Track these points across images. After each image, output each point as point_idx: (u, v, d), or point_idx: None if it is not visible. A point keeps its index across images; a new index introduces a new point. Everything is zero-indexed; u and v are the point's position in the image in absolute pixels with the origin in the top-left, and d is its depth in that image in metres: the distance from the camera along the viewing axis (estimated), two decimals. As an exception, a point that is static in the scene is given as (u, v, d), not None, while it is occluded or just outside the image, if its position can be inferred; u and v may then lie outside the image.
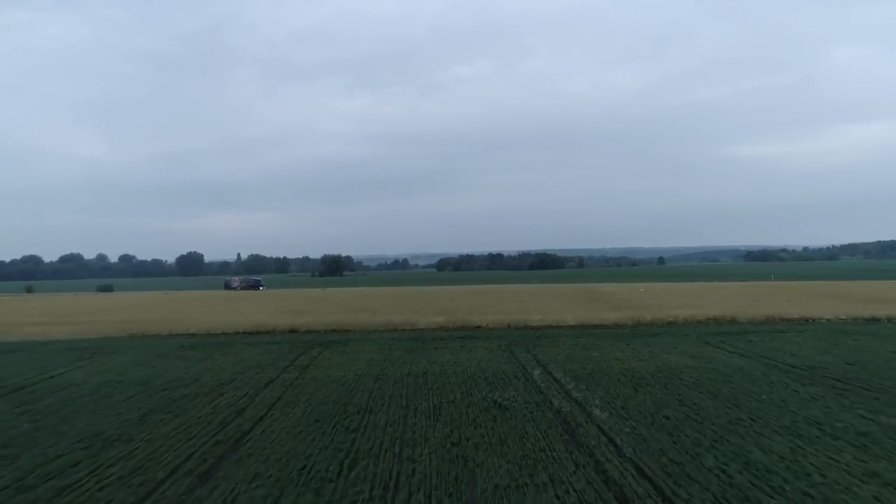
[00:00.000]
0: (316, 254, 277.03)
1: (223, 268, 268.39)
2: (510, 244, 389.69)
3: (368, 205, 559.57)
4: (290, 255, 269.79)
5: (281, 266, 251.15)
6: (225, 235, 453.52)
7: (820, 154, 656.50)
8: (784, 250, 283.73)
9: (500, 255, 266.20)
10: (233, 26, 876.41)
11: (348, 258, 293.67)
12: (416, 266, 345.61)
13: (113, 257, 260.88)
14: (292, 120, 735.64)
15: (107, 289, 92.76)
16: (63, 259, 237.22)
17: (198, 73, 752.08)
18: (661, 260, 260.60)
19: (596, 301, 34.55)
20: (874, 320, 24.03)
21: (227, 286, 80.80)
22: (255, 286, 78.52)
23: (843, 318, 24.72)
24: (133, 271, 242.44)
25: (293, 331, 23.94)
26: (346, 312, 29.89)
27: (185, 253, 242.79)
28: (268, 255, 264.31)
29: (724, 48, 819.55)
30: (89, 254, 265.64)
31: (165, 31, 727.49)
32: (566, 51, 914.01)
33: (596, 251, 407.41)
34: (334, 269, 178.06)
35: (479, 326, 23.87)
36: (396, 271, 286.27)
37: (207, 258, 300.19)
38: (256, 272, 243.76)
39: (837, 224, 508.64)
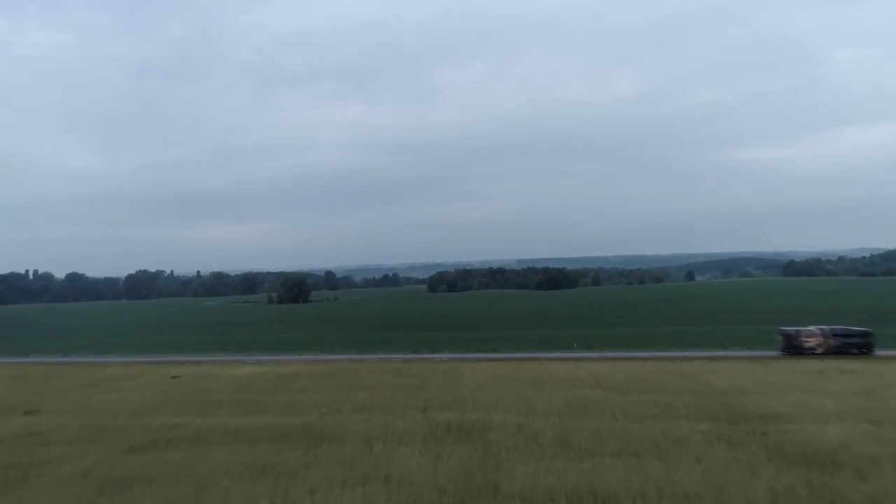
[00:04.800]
0: (301, 267, 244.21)
1: (184, 286, 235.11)
2: (509, 252, 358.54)
3: (362, 214, 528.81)
4: (275, 270, 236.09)
5: (248, 284, 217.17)
6: (201, 248, 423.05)
7: (827, 157, 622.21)
8: (819, 259, 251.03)
9: (501, 271, 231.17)
10: (220, 32, 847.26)
11: (330, 273, 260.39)
12: (409, 280, 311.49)
13: (61, 275, 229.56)
14: (283, 128, 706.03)
15: None
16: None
17: (184, 80, 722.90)
18: (689, 275, 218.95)
19: None
20: None
21: (791, 345, 41.75)
22: (862, 346, 40.61)
23: None
24: (77, 293, 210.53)
25: None
26: None
27: (133, 272, 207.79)
28: (233, 272, 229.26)
29: (723, 51, 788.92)
30: (44, 271, 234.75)
31: (151, 37, 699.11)
32: (561, 54, 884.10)
33: (601, 259, 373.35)
34: (296, 294, 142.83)
35: None
36: (385, 289, 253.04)
37: (176, 273, 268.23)
38: (219, 294, 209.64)
39: (846, 228, 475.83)
